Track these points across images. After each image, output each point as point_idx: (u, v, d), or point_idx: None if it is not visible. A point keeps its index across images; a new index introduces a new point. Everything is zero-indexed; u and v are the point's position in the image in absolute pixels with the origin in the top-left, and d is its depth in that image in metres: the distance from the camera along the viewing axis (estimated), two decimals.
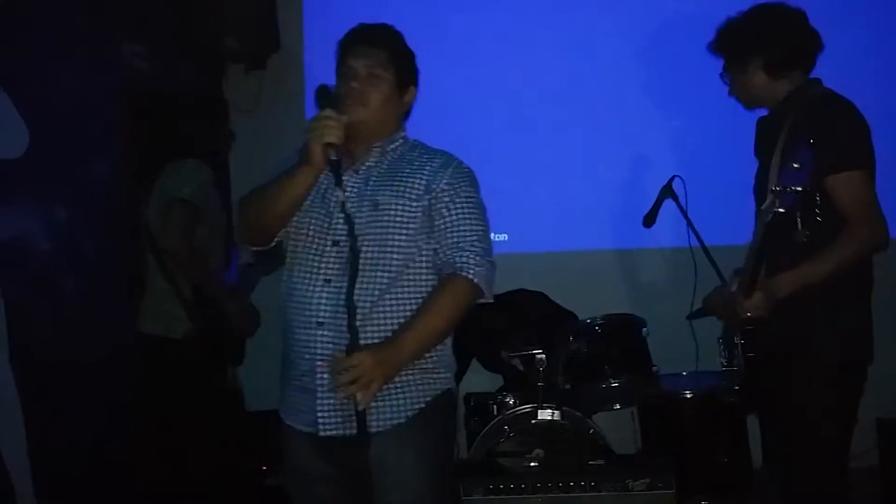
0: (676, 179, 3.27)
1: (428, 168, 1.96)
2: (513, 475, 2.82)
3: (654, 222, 3.31)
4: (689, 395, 3.22)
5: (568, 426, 3.06)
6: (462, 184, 1.97)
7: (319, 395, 1.87)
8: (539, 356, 3.21)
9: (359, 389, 1.75)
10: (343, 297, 1.82)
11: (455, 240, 1.92)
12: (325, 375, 1.86)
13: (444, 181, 1.94)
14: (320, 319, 1.87)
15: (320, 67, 4.35)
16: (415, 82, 2.05)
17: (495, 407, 3.29)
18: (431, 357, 1.95)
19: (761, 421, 2.34)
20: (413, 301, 1.91)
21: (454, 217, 1.93)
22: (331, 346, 1.85)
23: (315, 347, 1.87)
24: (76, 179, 3.15)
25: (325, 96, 1.91)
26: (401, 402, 1.90)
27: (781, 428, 2.20)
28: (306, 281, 1.91)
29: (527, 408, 3.13)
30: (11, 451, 2.95)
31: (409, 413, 1.91)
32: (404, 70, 2.01)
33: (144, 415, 2.93)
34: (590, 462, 2.87)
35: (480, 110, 4.12)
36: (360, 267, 1.84)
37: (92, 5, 3.15)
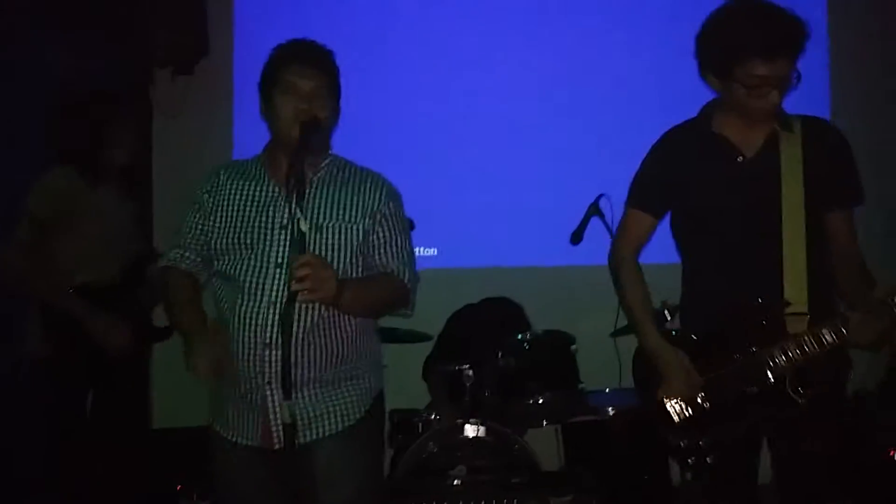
0: (603, 198, 3.34)
1: (362, 190, 2.06)
2: (435, 492, 2.79)
3: (581, 239, 3.36)
4: (612, 412, 3.25)
5: (492, 442, 3.05)
6: (396, 204, 2.11)
7: (272, 411, 1.93)
8: (467, 372, 3.21)
9: (309, 287, 1.77)
10: (290, 318, 1.88)
11: (391, 256, 2.07)
12: (278, 392, 1.89)
13: (380, 203, 2.06)
14: (267, 340, 1.91)
15: (250, 73, 4.29)
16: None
17: (420, 425, 3.25)
18: (363, 365, 2.06)
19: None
20: (353, 317, 2.01)
21: (390, 236, 2.07)
22: (280, 364, 1.86)
23: (265, 367, 1.92)
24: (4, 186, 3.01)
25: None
26: (341, 413, 2.01)
27: None
28: (251, 303, 1.93)
29: (453, 424, 3.11)
30: None
31: (349, 423, 2.02)
32: (339, 92, 2.06)
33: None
34: (513, 479, 2.86)
35: (415, 121, 4.12)
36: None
37: (18, 7, 3.04)
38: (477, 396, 3.17)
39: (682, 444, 2.15)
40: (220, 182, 2.06)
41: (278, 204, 1.99)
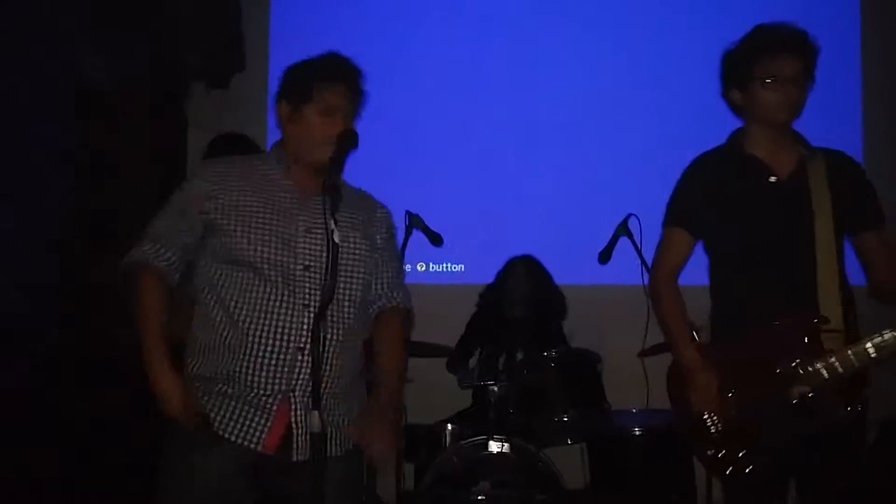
0: (632, 218, 3.35)
1: (367, 208, 2.08)
2: None
3: (609, 259, 3.36)
4: (638, 432, 3.23)
5: (516, 458, 3.04)
6: (392, 226, 2.15)
7: (293, 419, 1.85)
8: (492, 388, 3.22)
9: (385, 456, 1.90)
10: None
11: (391, 277, 2.08)
12: (305, 400, 1.83)
13: (385, 223, 2.10)
14: (301, 345, 1.85)
15: None
16: None
17: (444, 437, 3.26)
18: (360, 384, 2.05)
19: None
20: (363, 333, 2.04)
21: (389, 257, 2.09)
22: (309, 371, 1.82)
23: (294, 372, 1.84)
24: (26, 185, 3.08)
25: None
26: (345, 433, 1.95)
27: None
28: (279, 305, 1.86)
29: (478, 439, 3.11)
30: None
31: (351, 444, 1.96)
32: (361, 111, 2.06)
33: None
34: (537, 496, 2.85)
35: (443, 142, 4.17)
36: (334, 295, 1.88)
37: (52, 13, 3.11)
38: (501, 412, 3.18)
39: (719, 456, 2.18)
40: (231, 179, 1.94)
41: (302, 209, 1.93)
